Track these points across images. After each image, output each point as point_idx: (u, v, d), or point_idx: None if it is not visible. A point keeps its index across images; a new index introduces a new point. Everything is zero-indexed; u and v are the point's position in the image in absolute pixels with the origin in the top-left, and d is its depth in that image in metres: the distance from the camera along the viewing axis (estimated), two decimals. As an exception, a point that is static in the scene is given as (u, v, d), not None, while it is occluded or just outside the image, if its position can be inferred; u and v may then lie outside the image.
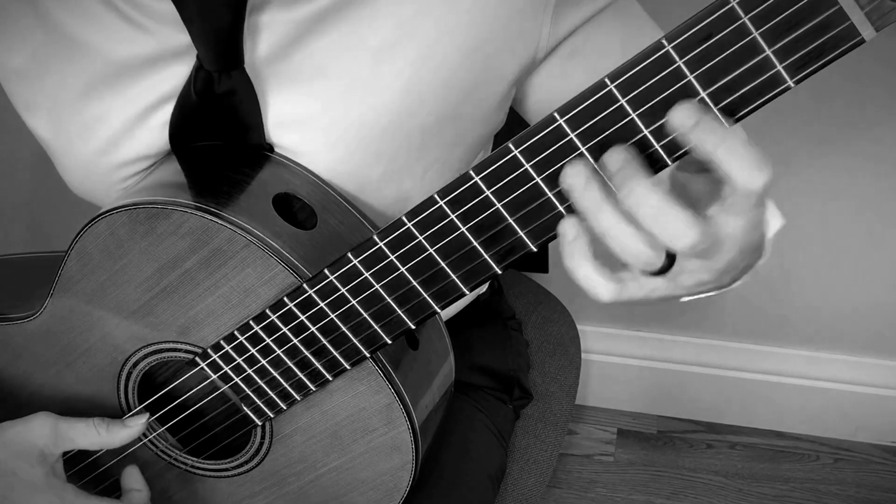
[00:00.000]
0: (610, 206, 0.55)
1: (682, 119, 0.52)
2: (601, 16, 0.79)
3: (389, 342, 0.70)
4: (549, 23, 0.76)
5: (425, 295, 0.67)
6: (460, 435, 1.03)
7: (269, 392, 0.77)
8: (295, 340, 0.72)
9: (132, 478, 0.85)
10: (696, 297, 0.67)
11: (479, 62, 0.76)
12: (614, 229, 0.55)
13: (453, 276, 0.65)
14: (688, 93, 0.53)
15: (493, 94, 0.79)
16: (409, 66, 0.75)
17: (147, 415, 0.83)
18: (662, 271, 0.58)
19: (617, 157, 0.54)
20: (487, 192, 0.60)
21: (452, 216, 0.62)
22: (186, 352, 0.78)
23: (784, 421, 1.80)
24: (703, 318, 1.73)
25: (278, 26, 0.75)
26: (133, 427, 0.82)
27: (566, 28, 0.77)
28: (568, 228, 0.58)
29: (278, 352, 0.74)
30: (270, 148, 0.79)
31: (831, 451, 1.78)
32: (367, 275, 0.67)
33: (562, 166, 0.58)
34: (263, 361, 0.75)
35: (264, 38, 0.75)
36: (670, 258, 0.58)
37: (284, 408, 0.78)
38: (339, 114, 0.77)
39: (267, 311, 0.72)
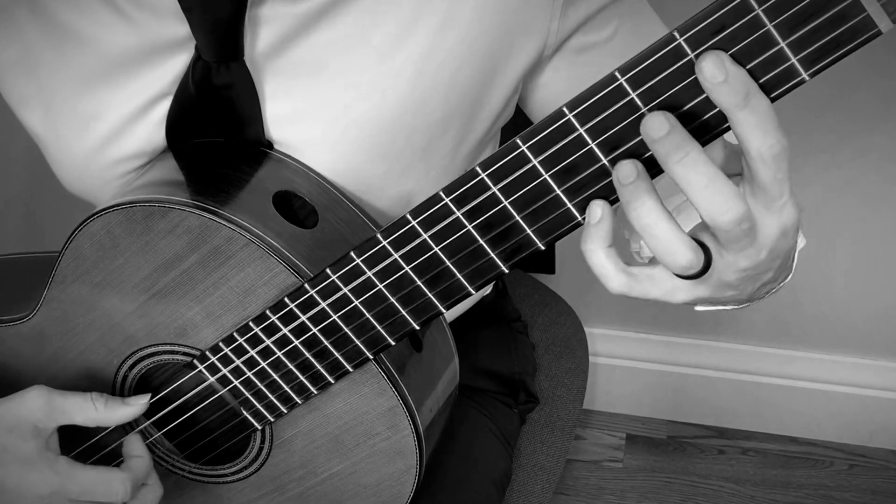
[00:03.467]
0: (655, 201, 0.56)
1: (712, 71, 0.52)
2: (608, 12, 0.79)
3: (393, 343, 0.70)
4: (557, 17, 0.76)
5: (430, 295, 0.67)
6: (465, 440, 1.04)
7: (269, 395, 0.77)
8: (296, 342, 0.73)
9: (133, 444, 0.84)
10: (711, 308, 0.67)
11: (485, 58, 0.77)
12: (656, 227, 0.56)
13: (459, 276, 0.65)
14: (700, 86, 0.53)
15: (499, 89, 0.79)
16: (412, 63, 0.76)
17: (149, 395, 0.81)
18: (696, 276, 0.59)
19: (660, 125, 0.54)
20: (494, 189, 0.61)
21: (458, 213, 0.62)
22: (184, 354, 0.78)
23: (797, 426, 1.80)
24: (715, 321, 1.73)
25: (280, 19, 0.75)
26: (133, 406, 0.80)
27: (574, 21, 0.78)
28: (595, 210, 0.58)
29: (278, 354, 0.74)
30: (270, 145, 0.80)
31: (846, 456, 1.79)
32: (369, 274, 0.67)
33: (570, 162, 0.58)
34: (263, 364, 0.75)
35: (265, 31, 0.75)
36: (706, 264, 0.58)
37: (285, 411, 0.78)
38: (340, 111, 0.77)
39: (267, 311, 0.72)
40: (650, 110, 0.55)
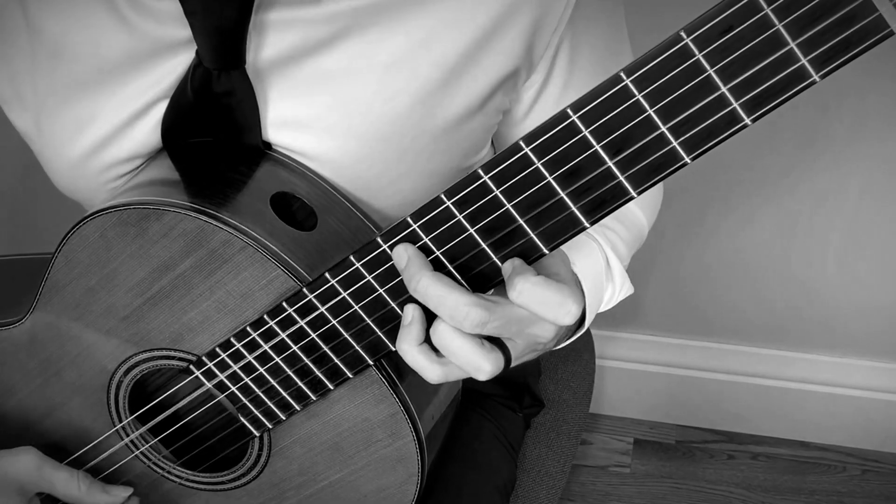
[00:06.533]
0: (457, 332, 0.64)
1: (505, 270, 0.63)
2: (591, 55, 0.82)
3: (394, 349, 0.70)
4: (554, 45, 0.78)
5: (431, 299, 0.67)
6: (468, 445, 1.04)
7: (267, 402, 0.77)
8: (294, 347, 0.73)
9: None
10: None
11: (489, 72, 0.77)
12: (452, 343, 0.64)
13: (461, 280, 0.65)
14: (708, 87, 0.54)
15: (501, 99, 0.80)
16: (418, 78, 0.76)
17: (130, 490, 0.86)
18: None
19: (401, 253, 0.64)
20: (496, 192, 0.61)
21: (460, 217, 0.62)
22: (180, 359, 0.78)
23: (809, 430, 1.80)
24: (724, 323, 1.73)
25: (286, 27, 0.75)
26: (112, 496, 0.86)
27: (565, 54, 0.80)
28: (407, 312, 0.67)
29: (277, 359, 0.74)
30: (268, 145, 0.80)
31: (858, 462, 1.78)
32: (369, 278, 0.67)
33: (575, 164, 0.58)
34: (261, 369, 0.75)
35: (271, 38, 0.75)
36: (507, 358, 0.67)
37: (283, 418, 0.78)
38: (342, 120, 0.77)
39: (265, 316, 0.72)
40: (656, 112, 0.55)
